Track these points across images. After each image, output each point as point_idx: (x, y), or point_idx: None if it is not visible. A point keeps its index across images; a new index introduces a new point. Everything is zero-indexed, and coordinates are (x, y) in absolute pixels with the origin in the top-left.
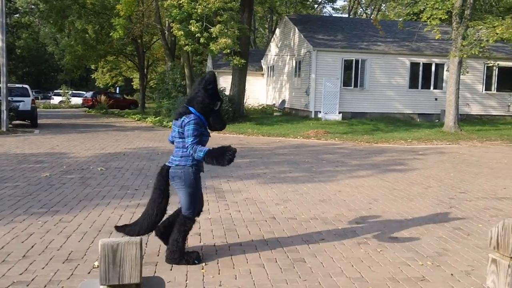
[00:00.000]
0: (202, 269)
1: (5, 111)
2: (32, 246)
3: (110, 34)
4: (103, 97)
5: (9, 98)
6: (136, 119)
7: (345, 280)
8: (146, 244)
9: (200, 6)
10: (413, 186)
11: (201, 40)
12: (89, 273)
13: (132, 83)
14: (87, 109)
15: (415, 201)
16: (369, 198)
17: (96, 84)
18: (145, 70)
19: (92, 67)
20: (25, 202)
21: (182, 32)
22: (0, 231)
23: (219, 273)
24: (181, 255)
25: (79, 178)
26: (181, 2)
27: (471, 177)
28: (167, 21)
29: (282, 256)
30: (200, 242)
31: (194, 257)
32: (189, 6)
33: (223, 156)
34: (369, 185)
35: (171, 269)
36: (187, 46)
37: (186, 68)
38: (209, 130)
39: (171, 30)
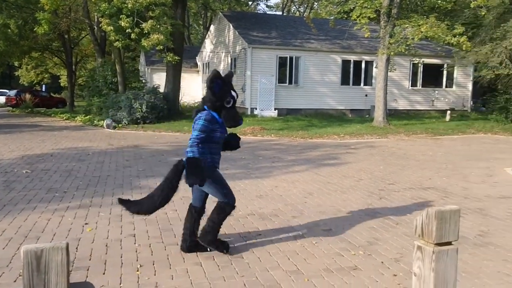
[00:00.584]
0: (137, 271)
1: None
2: None
3: (35, 29)
4: (28, 96)
5: None
6: (65, 118)
7: (282, 273)
8: (77, 248)
9: (130, 1)
10: (345, 179)
11: (132, 36)
12: (15, 281)
13: (59, 81)
14: (11, 108)
15: (348, 193)
16: (305, 193)
17: (20, 82)
18: (74, 66)
19: (16, 64)
20: None
21: (112, 28)
22: None
23: (155, 274)
24: (214, 238)
25: (2, 182)
26: None
27: (399, 169)
28: (96, 16)
29: (219, 254)
30: (135, 243)
31: (225, 247)
32: (119, 0)
33: (192, 174)
34: (304, 179)
35: (104, 273)
36: (117, 42)
37: (118, 65)
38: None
39: (100, 25)
